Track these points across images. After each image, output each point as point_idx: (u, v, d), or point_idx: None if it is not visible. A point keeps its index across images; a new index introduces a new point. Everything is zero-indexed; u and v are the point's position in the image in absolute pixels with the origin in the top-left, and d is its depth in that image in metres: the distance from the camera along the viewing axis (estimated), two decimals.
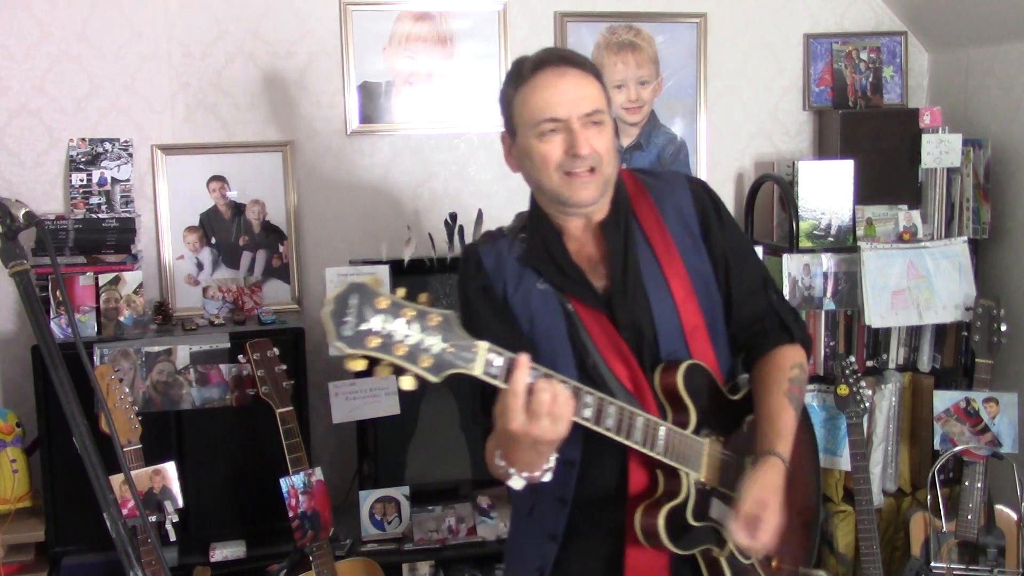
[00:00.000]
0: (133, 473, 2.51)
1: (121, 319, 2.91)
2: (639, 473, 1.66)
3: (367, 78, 3.29)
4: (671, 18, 3.49)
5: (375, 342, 1.26)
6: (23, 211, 1.40)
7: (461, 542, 2.97)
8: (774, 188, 3.42)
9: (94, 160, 3.08)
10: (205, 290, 3.13)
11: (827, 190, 3.23)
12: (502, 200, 3.38)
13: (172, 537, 2.62)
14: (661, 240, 1.72)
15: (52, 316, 2.81)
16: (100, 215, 3.04)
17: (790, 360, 1.78)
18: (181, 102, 3.17)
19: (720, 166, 3.56)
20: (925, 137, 3.26)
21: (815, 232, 3.23)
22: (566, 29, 3.39)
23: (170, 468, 2.62)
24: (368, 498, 2.98)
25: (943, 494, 3.08)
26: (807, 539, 1.90)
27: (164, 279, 3.17)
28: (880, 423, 3.22)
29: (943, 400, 3.11)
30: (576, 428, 1.48)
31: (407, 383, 1.30)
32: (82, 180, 3.07)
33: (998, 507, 3.02)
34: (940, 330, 3.31)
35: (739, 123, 3.60)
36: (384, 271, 2.95)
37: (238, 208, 3.23)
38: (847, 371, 3.03)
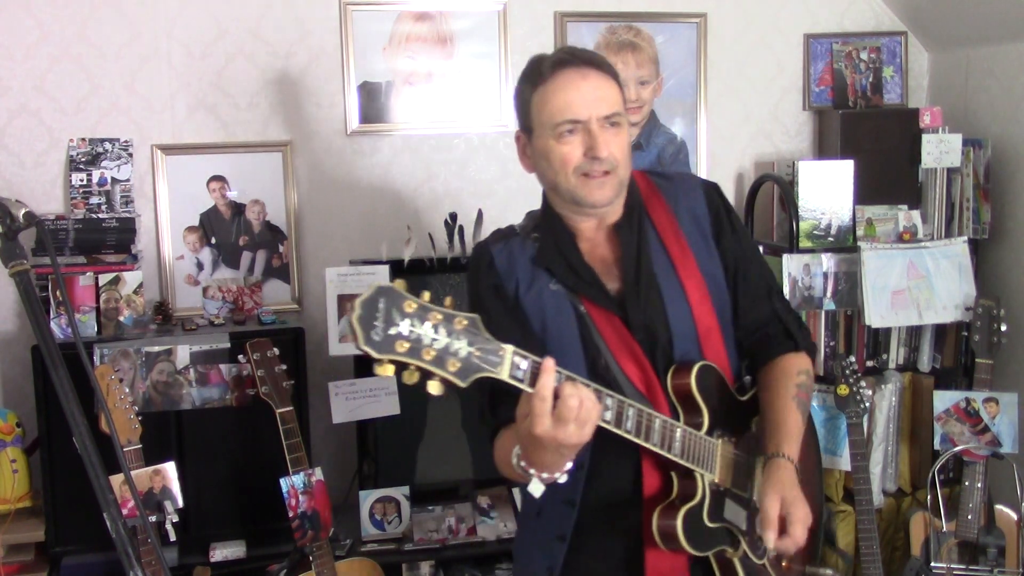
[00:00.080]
0: (133, 473, 2.51)
1: (121, 319, 2.91)
2: (653, 475, 1.66)
3: (367, 78, 3.29)
4: (671, 18, 3.49)
5: (404, 347, 1.24)
6: (23, 211, 1.40)
7: (461, 542, 2.97)
8: (774, 188, 3.42)
9: (94, 160, 3.08)
10: (205, 290, 3.13)
11: (827, 190, 3.23)
12: (502, 200, 3.38)
13: (172, 537, 2.62)
14: (675, 242, 1.73)
15: (52, 316, 2.81)
16: (100, 215, 3.04)
17: (797, 367, 1.79)
18: (181, 102, 3.17)
19: (720, 166, 3.56)
20: (925, 137, 3.26)
21: (815, 232, 3.23)
22: (566, 29, 3.39)
23: (170, 468, 2.62)
24: (368, 498, 2.98)
25: (943, 494, 3.08)
26: (813, 539, 1.91)
27: (164, 279, 3.17)
28: (880, 423, 3.22)
29: (943, 400, 3.11)
30: None
31: (434, 388, 1.29)
32: (82, 180, 3.07)
33: (998, 507, 3.02)
34: (940, 330, 3.31)
35: (739, 123, 3.60)
36: (384, 271, 2.95)
37: (238, 208, 3.23)
38: (847, 371, 3.03)
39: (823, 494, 2.09)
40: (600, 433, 1.45)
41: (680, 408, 1.66)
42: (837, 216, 3.23)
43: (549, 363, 1.36)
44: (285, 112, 3.24)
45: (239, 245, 3.23)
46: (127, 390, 2.60)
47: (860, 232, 3.24)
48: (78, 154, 3.08)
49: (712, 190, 1.82)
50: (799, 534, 1.60)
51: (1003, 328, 3.03)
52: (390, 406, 2.95)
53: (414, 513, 3.00)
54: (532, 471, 1.47)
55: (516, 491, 3.09)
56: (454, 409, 3.09)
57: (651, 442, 1.54)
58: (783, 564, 1.78)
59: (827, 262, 3.20)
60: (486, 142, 3.40)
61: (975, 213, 3.32)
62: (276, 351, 2.69)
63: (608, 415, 1.47)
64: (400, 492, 2.99)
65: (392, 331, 1.24)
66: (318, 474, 2.70)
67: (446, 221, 3.14)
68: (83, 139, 3.08)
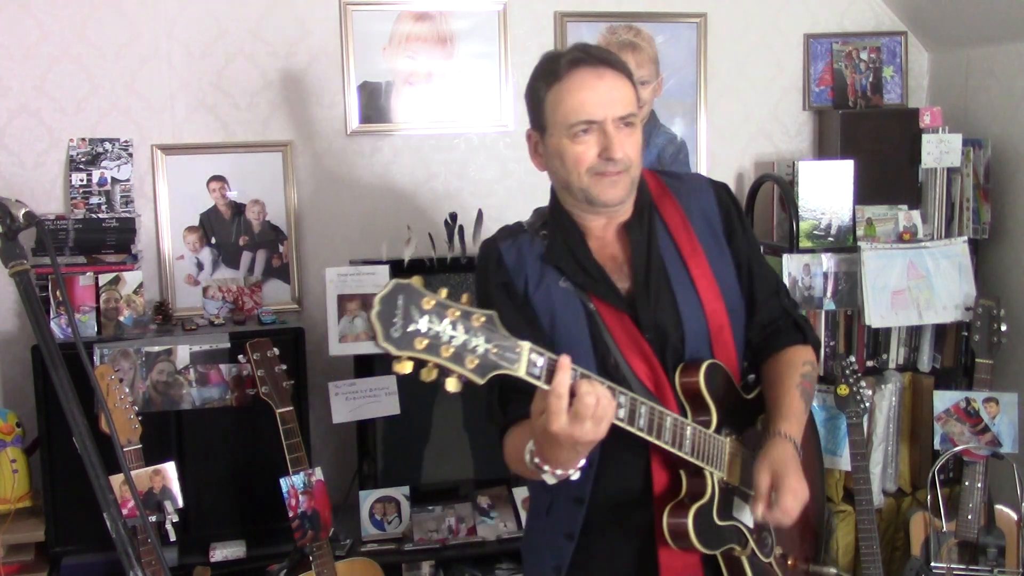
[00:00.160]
0: (133, 473, 2.51)
1: (121, 319, 2.91)
2: (662, 473, 1.66)
3: (367, 78, 3.29)
4: (671, 18, 3.49)
5: (423, 344, 1.23)
6: (23, 211, 1.40)
7: (461, 542, 2.97)
8: (774, 188, 3.42)
9: (94, 160, 3.08)
10: (205, 290, 3.12)
11: (827, 190, 3.23)
12: (502, 200, 3.38)
13: (172, 537, 2.62)
14: (687, 240, 1.73)
15: (52, 316, 2.81)
16: (100, 215, 3.04)
17: (802, 358, 1.80)
18: (181, 102, 3.17)
19: (720, 166, 3.56)
20: (925, 137, 3.26)
21: (815, 232, 3.23)
22: (566, 29, 3.39)
23: (170, 468, 2.62)
24: (368, 498, 2.98)
25: (943, 494, 3.08)
26: (815, 538, 1.91)
27: (164, 279, 3.17)
28: (880, 423, 3.22)
29: (943, 400, 3.11)
30: None
31: (452, 385, 1.28)
32: (82, 180, 3.07)
33: (998, 507, 3.02)
34: (940, 330, 3.31)
35: (739, 123, 3.60)
36: (384, 271, 2.95)
37: (238, 208, 3.23)
38: (847, 371, 3.03)
39: (824, 494, 2.09)
40: (609, 431, 1.46)
41: (688, 406, 1.66)
42: (837, 216, 3.23)
43: (565, 360, 1.36)
44: (285, 112, 3.24)
45: (239, 245, 3.23)
46: (127, 390, 2.60)
47: (860, 232, 3.24)
48: (78, 154, 3.08)
49: (722, 190, 1.83)
50: (787, 504, 1.60)
51: (1003, 328, 3.03)
52: (390, 406, 2.95)
53: (414, 513, 3.00)
54: (546, 467, 1.47)
55: (516, 491, 3.09)
56: (454, 409, 3.09)
57: (663, 440, 1.55)
58: (789, 563, 1.79)
59: (827, 262, 3.20)
60: (486, 142, 3.40)
61: (975, 213, 3.32)
62: (276, 351, 2.69)
63: (621, 412, 1.47)
64: (400, 492, 2.99)
65: (411, 328, 1.23)
66: (318, 474, 2.70)
67: (446, 221, 3.14)
68: (83, 139, 3.09)
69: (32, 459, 2.89)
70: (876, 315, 3.17)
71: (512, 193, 3.39)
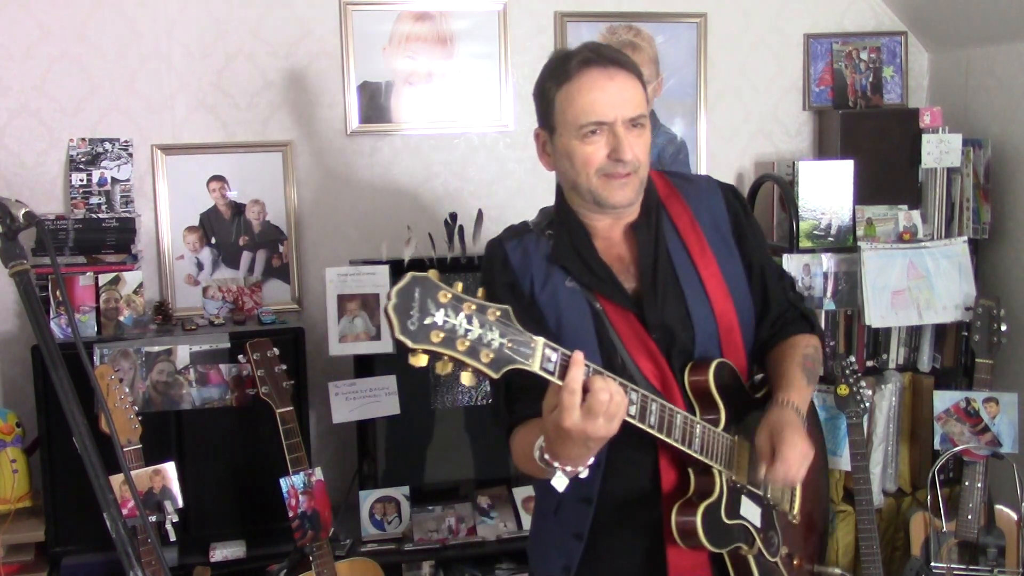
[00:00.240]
0: (133, 473, 2.51)
1: (121, 319, 2.91)
2: (670, 471, 1.66)
3: (367, 78, 3.29)
4: (671, 18, 3.49)
5: (439, 337, 1.23)
6: (23, 211, 1.40)
7: (461, 542, 2.97)
8: (774, 188, 3.42)
9: (94, 160, 3.08)
10: (205, 290, 3.13)
11: (827, 190, 3.23)
12: (502, 200, 3.38)
13: (172, 537, 2.62)
14: (696, 241, 1.74)
15: (52, 316, 2.81)
16: (100, 215, 3.04)
17: (806, 342, 1.82)
18: (181, 102, 3.17)
19: (720, 166, 3.56)
20: (925, 137, 3.26)
21: (815, 232, 3.23)
22: (566, 29, 3.39)
23: (170, 468, 2.62)
24: (368, 498, 2.98)
25: (943, 494, 3.08)
26: (821, 538, 1.91)
27: (164, 279, 3.17)
28: (880, 423, 3.22)
29: (943, 400, 3.11)
30: None
31: (467, 379, 1.28)
32: (82, 180, 3.07)
33: (998, 507, 3.02)
34: (940, 330, 3.31)
35: (739, 123, 3.60)
36: (384, 271, 2.95)
37: (238, 208, 3.23)
38: (847, 371, 3.03)
39: (828, 494, 2.10)
40: (619, 428, 1.46)
41: (697, 405, 1.66)
42: (837, 216, 3.23)
43: (579, 356, 1.36)
44: (285, 112, 3.24)
45: (239, 245, 3.23)
46: (127, 390, 2.60)
47: (860, 232, 3.24)
48: (78, 154, 3.08)
49: (730, 192, 1.84)
50: (790, 457, 1.59)
51: (1003, 328, 3.03)
52: (390, 406, 2.95)
53: (414, 513, 3.00)
54: (556, 464, 1.46)
55: (516, 491, 3.09)
56: (455, 409, 3.09)
57: (672, 437, 1.55)
58: (795, 563, 1.79)
59: (827, 262, 3.20)
60: (486, 142, 3.40)
61: (975, 213, 3.32)
62: (276, 351, 2.69)
63: (633, 409, 1.47)
64: (400, 492, 2.99)
65: (427, 321, 1.22)
66: (318, 474, 2.70)
67: (446, 221, 3.14)
68: (83, 139, 3.08)
69: (32, 459, 2.89)
70: (876, 315, 3.17)
71: (512, 193, 3.40)
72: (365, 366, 3.01)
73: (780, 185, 3.33)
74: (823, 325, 3.23)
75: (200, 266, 3.20)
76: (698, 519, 1.60)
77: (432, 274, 1.24)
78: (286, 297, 3.27)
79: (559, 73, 1.65)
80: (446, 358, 1.25)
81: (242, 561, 2.83)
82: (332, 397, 2.93)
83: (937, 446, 3.12)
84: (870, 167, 3.29)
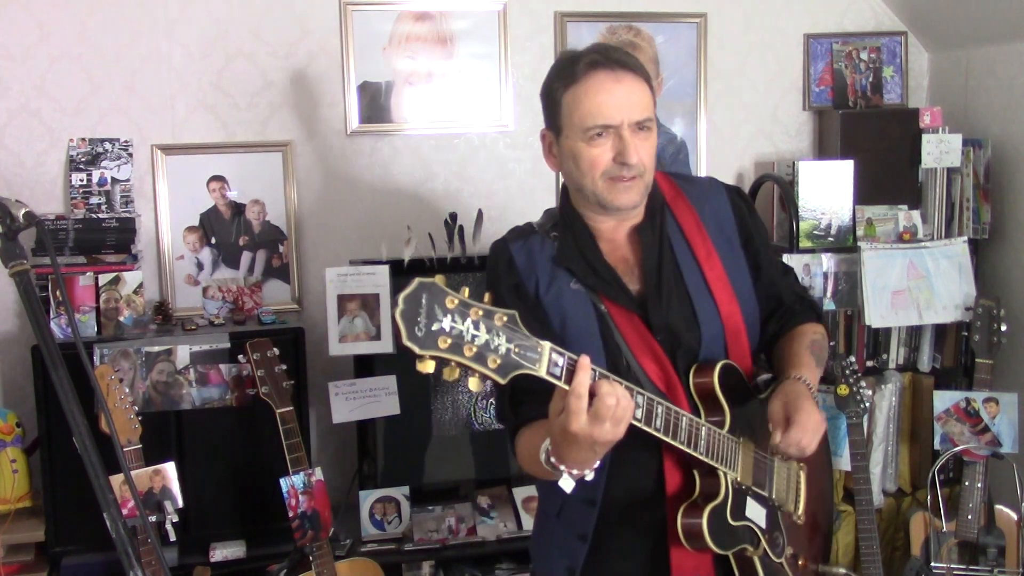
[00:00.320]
0: (133, 473, 2.51)
1: (121, 319, 2.91)
2: (675, 473, 1.66)
3: (367, 78, 3.29)
4: (671, 18, 3.49)
5: (446, 343, 1.23)
6: (23, 211, 1.40)
7: (461, 542, 2.97)
8: (774, 188, 3.42)
9: (94, 160, 3.08)
10: (205, 290, 3.13)
11: (827, 190, 3.23)
12: (502, 200, 3.38)
13: (172, 537, 2.62)
14: (701, 243, 1.74)
15: (52, 316, 2.81)
16: (100, 215, 3.04)
17: (812, 328, 1.84)
18: (181, 102, 3.17)
19: (720, 166, 3.56)
20: (925, 137, 3.26)
21: (815, 232, 3.23)
22: (566, 29, 3.39)
23: (170, 468, 2.62)
24: (368, 498, 2.98)
25: (943, 494, 3.08)
26: (825, 538, 1.91)
27: (164, 279, 3.17)
28: (880, 423, 3.22)
29: (943, 400, 3.11)
30: None
31: (474, 384, 1.29)
32: (82, 180, 3.07)
33: (998, 507, 3.02)
34: (940, 330, 3.31)
35: (739, 123, 3.60)
36: (384, 271, 2.95)
37: (238, 208, 3.23)
38: (847, 371, 3.03)
39: (832, 494, 2.10)
40: (634, 430, 1.46)
41: (701, 407, 1.66)
42: (837, 216, 3.23)
43: (585, 360, 1.36)
44: (285, 112, 3.24)
45: (239, 245, 3.23)
46: (127, 390, 2.60)
47: (860, 232, 3.24)
48: (78, 154, 3.08)
49: (735, 193, 1.85)
50: (806, 423, 1.61)
51: (1003, 328, 3.03)
52: (390, 406, 2.95)
53: (414, 513, 3.00)
54: (562, 467, 1.46)
55: (516, 491, 3.09)
56: (455, 409, 3.09)
57: (678, 440, 1.55)
58: (800, 563, 1.79)
59: (827, 262, 3.21)
60: (486, 142, 3.40)
61: (975, 213, 3.32)
62: (276, 351, 2.69)
63: (639, 413, 1.47)
64: (400, 492, 2.99)
65: (435, 327, 1.22)
66: (318, 474, 2.70)
67: (446, 221, 3.14)
68: (83, 139, 3.08)
69: (32, 459, 2.89)
70: (876, 315, 3.17)
71: (512, 193, 3.39)
72: (365, 366, 3.01)
73: (780, 185, 3.33)
74: None
75: (200, 266, 3.20)
76: (704, 521, 1.60)
77: (439, 279, 1.24)
78: (286, 297, 3.27)
79: (567, 74, 1.65)
80: (453, 364, 1.25)
81: (242, 561, 2.83)
82: (332, 397, 2.94)
83: (937, 446, 3.12)
84: (870, 167, 3.29)
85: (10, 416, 2.87)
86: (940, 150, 3.26)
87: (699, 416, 1.63)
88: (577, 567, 1.73)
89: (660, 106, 3.48)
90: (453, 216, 3.14)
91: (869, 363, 3.31)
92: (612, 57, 1.64)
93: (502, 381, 1.29)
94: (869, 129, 3.38)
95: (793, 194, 3.22)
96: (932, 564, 2.99)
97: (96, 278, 2.90)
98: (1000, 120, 3.35)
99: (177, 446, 2.82)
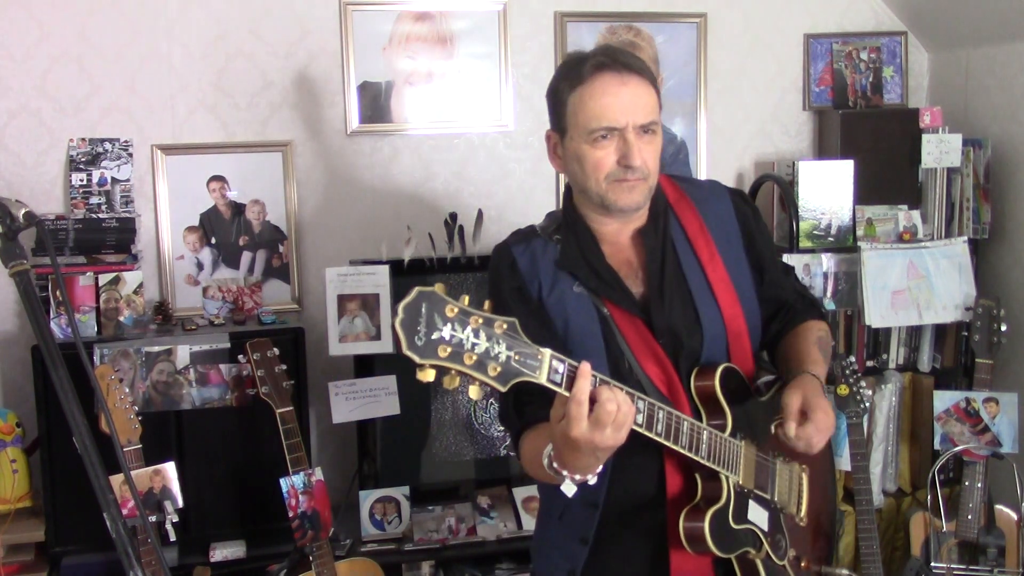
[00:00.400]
0: (133, 473, 2.51)
1: (121, 319, 2.91)
2: (676, 476, 1.66)
3: (367, 78, 3.29)
4: (671, 18, 3.49)
5: (446, 352, 1.23)
6: (23, 211, 1.40)
7: (461, 542, 2.97)
8: (774, 188, 3.42)
9: (94, 160, 3.08)
10: (205, 290, 3.13)
11: (827, 190, 3.23)
12: (502, 200, 3.38)
13: (172, 537, 2.62)
14: (705, 246, 1.74)
15: (52, 316, 2.81)
16: (100, 215, 3.04)
17: (816, 325, 1.85)
18: (181, 102, 3.17)
19: (720, 166, 3.56)
20: (925, 137, 3.26)
21: (815, 232, 3.23)
22: (566, 29, 3.39)
23: (170, 468, 2.62)
24: (368, 498, 2.98)
25: (943, 494, 3.08)
26: (828, 540, 1.91)
27: (164, 279, 3.17)
28: (880, 423, 3.22)
29: (943, 400, 3.11)
30: None
31: (475, 392, 1.29)
32: (82, 180, 3.07)
33: (998, 507, 3.02)
34: (940, 330, 3.31)
35: (739, 123, 3.60)
36: (384, 271, 2.95)
37: (238, 208, 3.23)
38: (847, 371, 3.03)
39: (835, 495, 2.10)
40: (636, 435, 1.46)
41: (703, 410, 1.66)
42: (837, 216, 3.23)
43: (586, 367, 1.37)
44: (285, 112, 3.24)
45: (239, 245, 3.23)
46: (127, 390, 2.60)
47: (860, 232, 3.24)
48: (78, 154, 3.08)
49: (739, 196, 1.85)
50: (822, 421, 1.62)
51: (1003, 328, 3.03)
52: (390, 406, 2.95)
53: (414, 513, 3.00)
54: (564, 472, 1.47)
55: (516, 491, 3.09)
56: (455, 409, 3.09)
57: (679, 444, 1.55)
58: (802, 565, 1.79)
59: (827, 262, 3.21)
60: (486, 142, 3.40)
61: (975, 213, 3.32)
62: (276, 351, 2.69)
63: (640, 418, 1.47)
64: (400, 492, 2.99)
65: (435, 336, 1.23)
66: (318, 474, 2.70)
67: (446, 221, 3.14)
68: (83, 139, 3.08)
69: (32, 459, 2.89)
70: (876, 315, 3.17)
71: (512, 193, 3.39)
72: (365, 366, 3.01)
73: (780, 185, 3.33)
74: None
75: (200, 266, 3.20)
76: (706, 525, 1.59)
77: (439, 288, 1.25)
78: (286, 297, 3.27)
79: (572, 76, 1.65)
80: (453, 372, 1.25)
81: (242, 561, 2.83)
82: (332, 397, 2.94)
83: (937, 446, 3.12)
84: (870, 167, 3.29)
85: (10, 416, 2.87)
86: (940, 150, 3.26)
87: (701, 419, 1.63)
88: (578, 569, 1.73)
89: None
90: (453, 216, 3.14)
91: (869, 363, 3.31)
92: (618, 59, 1.64)
93: (503, 389, 1.29)
94: (869, 129, 3.38)
95: (793, 194, 3.22)
96: (932, 564, 2.99)
97: (96, 278, 2.90)
98: (1000, 120, 3.35)
99: (177, 446, 2.82)
